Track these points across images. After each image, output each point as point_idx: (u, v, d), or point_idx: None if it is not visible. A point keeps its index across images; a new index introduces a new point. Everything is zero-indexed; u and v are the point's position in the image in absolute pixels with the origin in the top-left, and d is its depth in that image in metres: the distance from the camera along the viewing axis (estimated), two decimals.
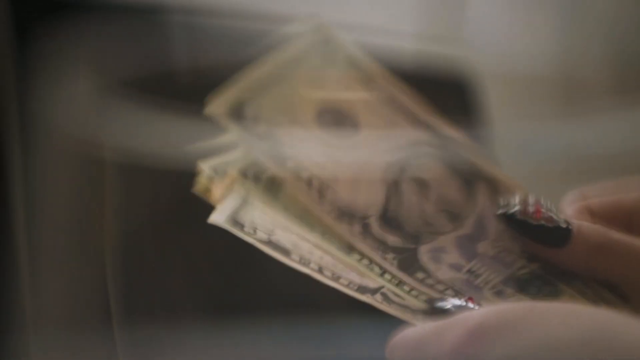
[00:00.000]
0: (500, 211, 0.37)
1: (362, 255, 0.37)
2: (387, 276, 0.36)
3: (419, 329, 0.33)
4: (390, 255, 0.37)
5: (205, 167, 0.39)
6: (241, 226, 0.37)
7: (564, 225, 0.36)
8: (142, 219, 0.51)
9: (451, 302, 0.34)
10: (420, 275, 0.36)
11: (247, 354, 0.42)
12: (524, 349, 0.30)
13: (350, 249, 0.37)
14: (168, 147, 0.48)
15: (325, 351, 0.41)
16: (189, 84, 0.53)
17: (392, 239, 0.37)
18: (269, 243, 0.37)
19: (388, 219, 0.37)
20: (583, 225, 0.36)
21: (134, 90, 0.50)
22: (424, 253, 0.37)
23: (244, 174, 0.38)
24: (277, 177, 0.38)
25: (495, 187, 0.38)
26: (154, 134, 0.49)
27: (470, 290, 0.36)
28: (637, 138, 0.66)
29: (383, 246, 0.37)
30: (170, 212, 0.51)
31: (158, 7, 0.53)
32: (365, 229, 0.37)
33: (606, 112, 0.68)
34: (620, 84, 0.72)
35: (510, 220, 0.37)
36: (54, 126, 0.50)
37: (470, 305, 0.34)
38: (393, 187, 0.38)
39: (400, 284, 0.36)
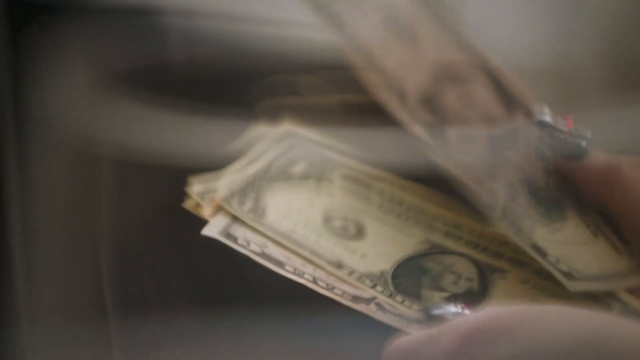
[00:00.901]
0: (543, 119, 0.39)
1: (352, 270, 0.37)
2: (378, 288, 0.37)
3: (413, 336, 0.33)
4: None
5: (195, 184, 0.40)
6: (234, 239, 0.38)
7: (583, 144, 0.38)
8: (139, 215, 0.51)
9: (447, 309, 0.34)
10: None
11: (243, 347, 0.43)
12: (519, 353, 0.30)
13: (339, 264, 0.37)
14: (165, 144, 0.49)
15: (321, 344, 0.41)
16: (185, 80, 0.53)
17: None
18: (263, 255, 0.37)
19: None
20: (600, 154, 0.38)
21: (130, 86, 0.51)
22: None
23: (229, 200, 0.39)
24: (261, 204, 0.39)
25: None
26: (151, 131, 0.49)
27: (488, 177, 0.37)
28: (634, 136, 0.67)
29: None
30: (167, 208, 0.51)
31: (154, 7, 0.53)
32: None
33: (602, 110, 0.68)
34: (617, 81, 0.72)
35: (542, 125, 0.39)
36: (50, 123, 0.51)
37: (466, 312, 0.34)
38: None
39: (392, 295, 0.36)
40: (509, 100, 0.41)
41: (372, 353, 0.34)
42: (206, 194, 0.40)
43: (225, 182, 0.40)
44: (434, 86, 0.39)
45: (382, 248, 0.39)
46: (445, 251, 0.39)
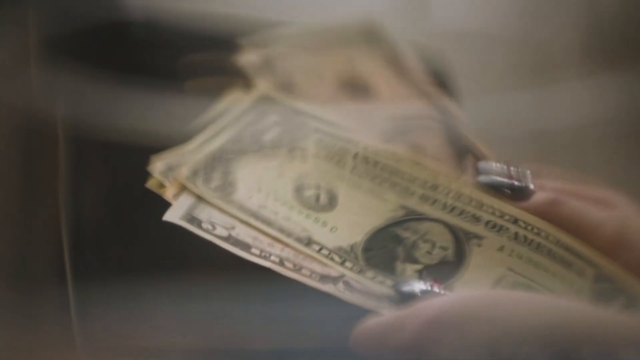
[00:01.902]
0: (480, 165, 0.40)
1: (321, 246, 0.37)
2: (348, 264, 0.36)
3: (381, 319, 0.33)
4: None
5: (158, 163, 0.39)
6: (199, 222, 0.37)
7: (526, 186, 0.39)
8: (99, 190, 0.50)
9: (416, 286, 0.34)
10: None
11: (206, 316, 0.42)
12: (484, 337, 0.30)
13: (308, 241, 0.37)
14: (126, 119, 0.48)
15: (289, 321, 0.41)
16: (145, 47, 0.52)
17: None
18: (229, 238, 0.37)
19: None
20: (543, 195, 0.39)
21: (86, 59, 0.49)
22: None
23: (193, 178, 0.38)
24: (229, 178, 0.38)
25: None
26: (112, 106, 0.48)
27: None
28: (607, 108, 0.67)
29: None
30: (129, 183, 0.51)
31: None
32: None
33: (575, 82, 0.68)
34: (590, 54, 0.72)
35: (484, 172, 0.40)
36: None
37: (436, 289, 0.34)
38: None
39: (362, 271, 0.36)
40: (461, 151, 0.42)
41: (341, 334, 0.34)
42: (169, 173, 0.39)
43: (189, 158, 0.39)
44: (387, 140, 0.40)
45: (354, 217, 0.38)
46: (420, 217, 0.38)
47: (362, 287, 0.35)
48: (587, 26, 0.73)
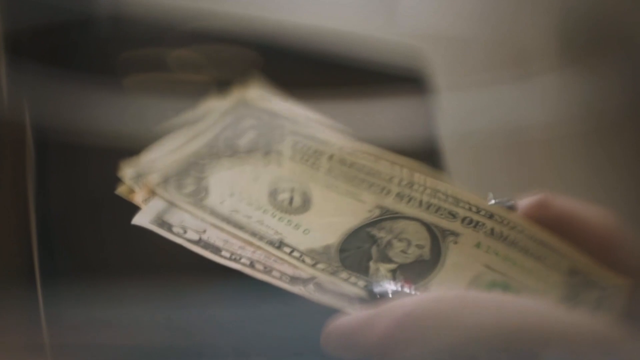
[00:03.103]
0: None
1: (293, 248, 0.37)
2: (320, 266, 0.36)
3: (351, 317, 0.33)
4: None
5: (127, 170, 0.39)
6: (169, 226, 0.37)
7: (508, 204, 0.38)
8: (68, 193, 0.50)
9: (387, 287, 0.35)
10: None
11: (182, 317, 0.43)
12: (454, 338, 0.30)
13: (280, 243, 0.37)
14: (94, 121, 0.48)
15: (258, 313, 0.41)
16: (112, 44, 0.52)
17: None
18: (199, 242, 0.37)
19: None
20: (528, 198, 0.38)
21: (53, 58, 0.49)
22: None
23: (164, 184, 0.38)
24: (202, 183, 0.39)
25: None
26: (79, 107, 0.48)
27: None
28: (581, 105, 0.68)
29: None
30: (97, 185, 0.51)
31: None
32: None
33: (549, 79, 0.69)
34: (564, 49, 0.73)
35: None
36: None
37: (407, 289, 0.34)
38: None
39: (335, 272, 0.36)
40: None
41: (311, 334, 0.34)
42: (140, 179, 0.39)
43: (159, 164, 0.40)
44: None
45: (328, 219, 0.39)
46: (395, 216, 0.39)
47: (333, 288, 0.36)
48: (559, 24, 0.74)
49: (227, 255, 0.36)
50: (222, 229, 0.37)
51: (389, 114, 0.54)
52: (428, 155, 0.59)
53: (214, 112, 0.43)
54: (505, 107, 0.66)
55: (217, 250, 0.37)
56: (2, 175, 0.50)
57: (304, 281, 0.36)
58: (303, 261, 0.36)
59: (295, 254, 0.37)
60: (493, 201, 0.39)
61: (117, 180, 0.40)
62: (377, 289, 0.34)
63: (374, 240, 0.38)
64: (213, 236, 0.37)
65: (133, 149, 0.43)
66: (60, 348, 0.44)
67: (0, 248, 0.49)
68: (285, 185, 0.40)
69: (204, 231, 0.37)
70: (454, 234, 0.38)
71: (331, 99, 0.51)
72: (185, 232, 0.37)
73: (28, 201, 0.48)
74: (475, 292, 0.35)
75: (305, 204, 0.39)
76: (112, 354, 0.44)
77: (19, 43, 0.49)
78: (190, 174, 0.40)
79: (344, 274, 0.36)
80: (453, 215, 0.38)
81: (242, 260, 0.36)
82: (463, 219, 0.38)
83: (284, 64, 0.52)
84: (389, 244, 0.37)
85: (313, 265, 0.36)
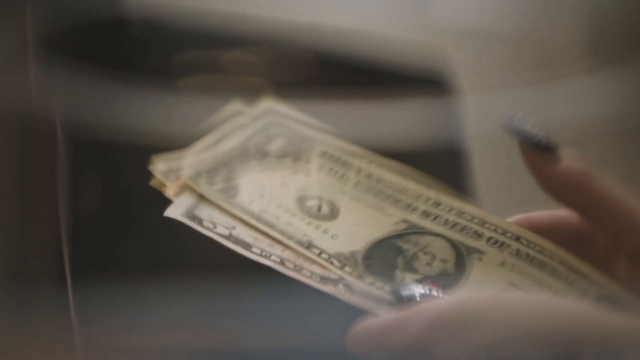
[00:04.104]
0: (505, 121, 0.40)
1: (322, 250, 0.38)
2: (347, 269, 0.37)
3: (380, 319, 0.33)
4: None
5: (159, 163, 0.40)
6: (199, 220, 0.38)
7: (558, 150, 0.39)
8: (97, 189, 0.51)
9: (415, 290, 0.35)
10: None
11: (204, 314, 0.43)
12: (486, 339, 0.31)
13: (309, 244, 0.38)
14: (124, 118, 0.49)
15: (284, 320, 0.42)
16: (143, 44, 0.53)
17: None
18: (230, 237, 0.38)
19: None
20: (574, 163, 0.38)
21: (84, 57, 0.50)
22: None
23: (196, 179, 0.40)
24: (232, 183, 0.40)
25: None
26: (110, 105, 0.49)
27: None
28: (610, 104, 0.68)
29: None
30: (127, 182, 0.52)
31: None
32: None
33: (578, 78, 0.69)
34: (591, 50, 0.73)
35: (514, 130, 0.39)
36: None
37: (434, 292, 0.35)
38: None
39: (361, 276, 0.37)
40: None
41: (336, 334, 0.35)
42: (170, 173, 0.40)
43: (191, 160, 0.41)
44: None
45: (355, 228, 0.40)
46: (421, 231, 0.39)
47: (361, 289, 0.36)
48: (589, 23, 0.74)
49: (258, 252, 0.37)
50: (251, 226, 0.38)
51: (412, 115, 0.55)
52: (451, 155, 0.59)
53: (244, 117, 0.44)
54: (533, 107, 0.66)
55: (247, 246, 0.37)
56: (34, 171, 0.51)
57: (334, 281, 0.37)
58: (331, 263, 0.37)
59: (324, 255, 0.38)
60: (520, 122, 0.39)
61: (147, 177, 0.41)
62: (404, 292, 0.35)
63: (400, 251, 0.38)
64: (242, 233, 0.38)
65: (163, 147, 0.44)
66: (91, 347, 0.45)
67: (31, 243, 0.50)
68: (313, 193, 0.41)
69: (234, 227, 0.38)
70: (479, 251, 0.38)
71: (354, 99, 0.51)
72: (215, 227, 0.38)
73: (58, 197, 0.49)
74: (508, 292, 0.35)
75: (333, 213, 0.40)
76: (141, 353, 0.45)
77: (50, 40, 0.50)
78: (220, 173, 0.41)
79: (369, 279, 0.37)
80: (478, 235, 0.39)
81: (272, 258, 0.37)
82: (488, 239, 0.38)
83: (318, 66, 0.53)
84: (414, 255, 0.38)
85: (341, 268, 0.37)
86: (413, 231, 0.39)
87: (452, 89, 0.58)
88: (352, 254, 0.38)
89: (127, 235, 0.50)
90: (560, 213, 0.40)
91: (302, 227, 0.39)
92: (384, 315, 0.34)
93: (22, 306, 0.48)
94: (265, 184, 0.41)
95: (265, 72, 0.47)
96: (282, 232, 0.38)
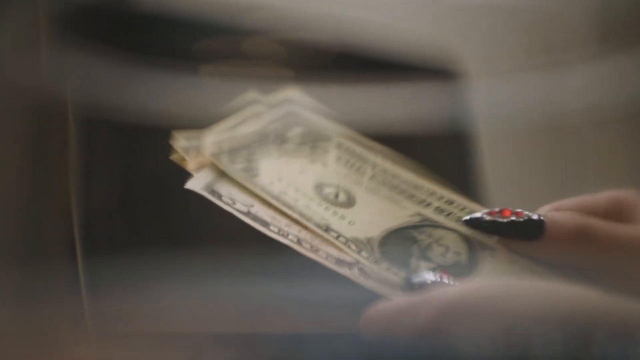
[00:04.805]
0: (467, 217, 0.40)
1: (339, 234, 0.39)
2: (364, 254, 0.38)
3: (394, 303, 0.34)
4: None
5: (180, 139, 0.41)
6: (219, 196, 0.39)
7: (535, 217, 0.38)
8: (109, 169, 0.52)
9: (427, 277, 0.36)
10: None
11: (213, 291, 0.44)
12: (499, 324, 0.31)
13: (327, 227, 0.39)
14: (136, 100, 0.49)
15: (297, 301, 0.43)
16: (156, 27, 0.54)
17: None
18: (248, 214, 0.39)
19: None
20: (556, 214, 0.38)
21: (96, 38, 0.51)
22: None
23: (219, 156, 0.41)
24: (252, 164, 0.41)
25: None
26: (122, 86, 0.50)
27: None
28: (619, 90, 0.68)
29: None
30: (139, 163, 0.52)
31: None
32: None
33: (589, 61, 0.69)
34: (602, 32, 0.73)
35: (479, 224, 0.39)
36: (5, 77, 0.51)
37: (446, 280, 0.36)
38: None
39: (377, 261, 0.38)
40: None
41: (350, 315, 0.36)
42: (191, 149, 0.41)
43: (212, 139, 0.42)
44: None
45: (371, 217, 0.41)
46: (436, 224, 0.40)
47: (376, 274, 0.37)
48: (600, 4, 0.74)
49: (275, 230, 0.38)
50: (270, 205, 0.39)
51: (420, 101, 0.56)
52: (459, 141, 0.60)
53: (263, 104, 0.45)
54: (542, 93, 0.67)
55: (265, 224, 0.38)
56: (47, 150, 0.52)
57: (350, 264, 0.38)
58: (349, 246, 0.38)
59: (341, 239, 0.39)
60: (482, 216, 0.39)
61: (161, 157, 0.42)
62: (417, 279, 0.36)
63: (415, 240, 0.40)
64: (260, 211, 0.39)
65: (174, 129, 0.45)
66: (102, 325, 0.46)
67: (44, 222, 0.51)
68: (330, 181, 0.42)
69: (252, 205, 0.39)
70: (491, 248, 0.39)
71: (364, 86, 0.52)
72: (234, 203, 0.39)
73: (70, 177, 0.50)
74: (519, 280, 0.36)
75: (350, 201, 0.42)
76: (152, 332, 0.45)
77: (63, 21, 0.51)
78: (241, 154, 0.42)
79: (384, 264, 0.38)
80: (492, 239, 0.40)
81: (290, 237, 0.38)
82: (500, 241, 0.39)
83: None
84: (429, 246, 0.39)
85: (357, 252, 0.38)
86: (427, 224, 0.40)
87: (460, 75, 0.58)
88: (369, 240, 0.39)
89: (138, 214, 0.51)
90: (616, 194, 0.40)
91: (320, 211, 0.40)
92: (398, 300, 0.35)
93: (35, 284, 0.48)
94: (284, 169, 0.42)
95: (285, 60, 0.48)
96: (300, 214, 0.39)
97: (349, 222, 0.40)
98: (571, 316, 0.31)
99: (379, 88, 0.51)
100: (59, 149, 0.51)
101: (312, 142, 0.44)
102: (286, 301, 0.41)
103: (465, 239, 0.40)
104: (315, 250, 0.38)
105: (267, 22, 0.52)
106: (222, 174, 0.40)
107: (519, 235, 0.38)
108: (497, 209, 0.39)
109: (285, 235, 0.38)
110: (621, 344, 0.31)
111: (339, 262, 0.38)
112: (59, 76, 0.50)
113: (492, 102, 0.63)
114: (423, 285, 0.35)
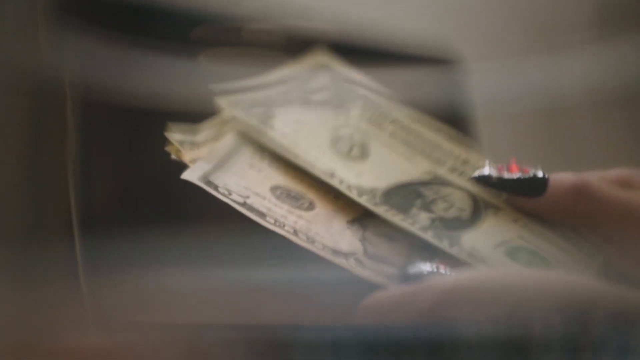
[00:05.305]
0: (476, 174, 0.41)
1: (343, 180, 0.40)
2: (364, 198, 0.39)
3: (392, 292, 0.35)
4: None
5: (175, 132, 0.42)
6: (215, 187, 0.40)
7: (540, 175, 0.39)
8: (107, 151, 0.52)
9: (423, 268, 0.36)
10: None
11: (211, 272, 0.44)
12: (496, 313, 0.32)
13: (332, 174, 0.40)
14: (135, 83, 0.50)
15: (294, 289, 0.43)
16: (155, 10, 0.54)
17: None
18: (244, 205, 0.39)
19: None
20: (559, 173, 0.39)
21: (95, 20, 0.51)
22: None
23: (234, 105, 0.41)
24: (268, 119, 0.41)
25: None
26: (120, 69, 0.50)
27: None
28: (618, 74, 0.68)
29: None
30: (138, 145, 0.53)
31: None
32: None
33: (585, 47, 0.69)
34: (601, 16, 0.73)
35: (487, 180, 0.40)
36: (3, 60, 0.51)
37: (442, 270, 0.36)
38: None
39: (377, 204, 0.39)
40: None
41: (347, 306, 0.36)
42: (185, 143, 0.42)
43: (232, 99, 0.42)
44: None
45: (380, 171, 0.42)
46: (445, 183, 0.42)
47: (371, 265, 0.38)
48: None
49: (272, 221, 0.39)
50: (279, 158, 0.40)
51: (418, 87, 0.56)
52: (458, 127, 0.60)
53: (289, 70, 0.46)
54: (541, 77, 0.67)
55: (261, 215, 0.39)
56: (45, 133, 0.52)
57: (346, 255, 0.38)
58: (350, 191, 0.39)
59: (344, 185, 0.40)
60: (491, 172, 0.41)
61: (159, 141, 0.42)
62: (413, 270, 0.37)
63: (420, 195, 0.41)
64: (256, 202, 0.40)
65: (173, 114, 0.45)
66: (100, 306, 0.46)
67: (42, 205, 0.51)
68: (347, 134, 0.43)
69: (248, 197, 0.40)
70: (496, 207, 0.40)
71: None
72: (230, 194, 0.40)
73: (67, 158, 0.50)
74: (517, 269, 0.37)
75: (363, 155, 0.42)
76: (149, 312, 0.46)
77: (61, 4, 0.51)
78: (257, 107, 0.43)
79: (384, 208, 0.39)
80: (499, 194, 0.41)
81: (286, 228, 0.39)
82: (507, 198, 0.41)
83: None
84: (434, 200, 0.41)
85: (358, 197, 0.39)
86: (437, 182, 0.41)
87: (458, 59, 0.59)
88: (372, 190, 0.40)
89: (136, 197, 0.51)
90: (623, 172, 0.41)
91: (329, 162, 0.41)
92: (396, 289, 0.35)
93: (33, 264, 0.49)
94: (301, 118, 0.43)
95: (284, 47, 0.48)
96: (308, 162, 0.40)
97: (357, 174, 0.41)
98: (570, 300, 0.32)
99: (376, 74, 0.51)
100: (57, 132, 0.51)
101: (337, 104, 0.45)
102: (283, 291, 0.42)
103: (472, 197, 0.41)
104: (311, 242, 0.38)
105: (267, 9, 0.52)
106: (219, 165, 0.41)
107: (524, 192, 0.40)
108: (504, 165, 0.40)
109: (282, 226, 0.39)
110: (618, 332, 0.31)
111: (335, 252, 0.38)
112: (58, 59, 0.50)
113: (490, 86, 0.64)
114: (420, 276, 0.36)
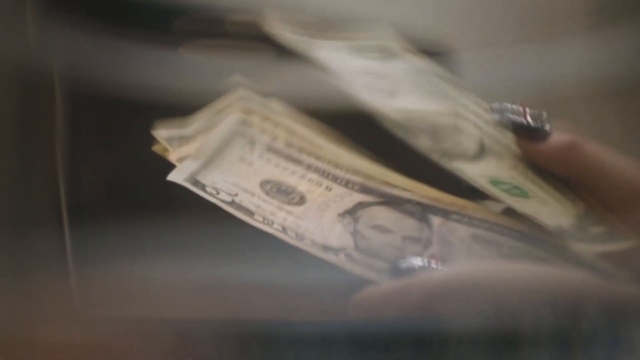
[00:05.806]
0: (495, 104, 0.43)
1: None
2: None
3: (383, 287, 0.35)
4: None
5: (162, 129, 0.42)
6: (202, 186, 0.40)
7: (546, 127, 0.41)
8: (95, 142, 0.52)
9: (414, 262, 0.37)
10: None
11: (200, 265, 0.45)
12: (486, 307, 0.33)
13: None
14: (123, 74, 0.50)
15: (285, 285, 0.43)
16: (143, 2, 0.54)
17: None
18: (232, 204, 0.39)
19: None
20: (560, 137, 0.41)
21: (84, 11, 0.51)
22: None
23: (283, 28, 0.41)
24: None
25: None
26: (109, 61, 0.50)
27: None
28: (613, 64, 0.68)
29: None
30: (126, 136, 0.53)
31: None
32: None
33: (580, 37, 0.69)
34: (596, 6, 0.73)
35: (503, 110, 0.43)
36: None
37: (433, 264, 0.36)
38: None
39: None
40: None
41: (338, 301, 0.36)
42: (173, 139, 0.42)
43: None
44: None
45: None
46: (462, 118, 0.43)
47: (362, 259, 0.38)
48: None
49: (260, 219, 0.39)
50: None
51: None
52: None
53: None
54: (536, 67, 0.67)
55: (250, 213, 0.39)
56: (34, 124, 0.52)
57: (336, 250, 0.38)
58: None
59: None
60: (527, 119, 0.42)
61: (147, 132, 0.42)
62: (404, 265, 0.37)
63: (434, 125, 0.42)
64: (245, 200, 0.40)
65: (162, 105, 0.45)
66: (88, 294, 0.46)
67: (31, 195, 0.51)
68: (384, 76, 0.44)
69: (236, 195, 0.40)
70: (500, 153, 0.42)
71: None
72: (218, 193, 0.40)
73: (56, 150, 0.50)
74: (507, 263, 0.37)
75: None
76: (136, 297, 0.46)
77: None
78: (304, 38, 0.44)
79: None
80: (505, 148, 0.42)
81: (275, 226, 0.39)
82: (510, 151, 0.42)
83: None
84: (445, 134, 0.42)
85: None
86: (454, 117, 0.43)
87: (453, 50, 0.59)
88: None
89: (125, 189, 0.51)
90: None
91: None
92: (386, 284, 0.35)
93: (21, 253, 0.49)
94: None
95: (269, 37, 0.48)
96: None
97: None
98: (560, 293, 0.33)
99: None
100: (46, 122, 0.51)
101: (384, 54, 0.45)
102: (272, 286, 0.42)
103: (481, 141, 0.42)
104: (300, 239, 0.38)
105: (249, 0, 0.52)
106: (206, 164, 0.41)
107: (528, 133, 0.41)
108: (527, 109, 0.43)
109: (270, 224, 0.39)
110: (607, 325, 0.32)
111: (325, 248, 0.38)
112: (46, 49, 0.50)
113: (484, 76, 0.64)
114: (410, 271, 0.36)
